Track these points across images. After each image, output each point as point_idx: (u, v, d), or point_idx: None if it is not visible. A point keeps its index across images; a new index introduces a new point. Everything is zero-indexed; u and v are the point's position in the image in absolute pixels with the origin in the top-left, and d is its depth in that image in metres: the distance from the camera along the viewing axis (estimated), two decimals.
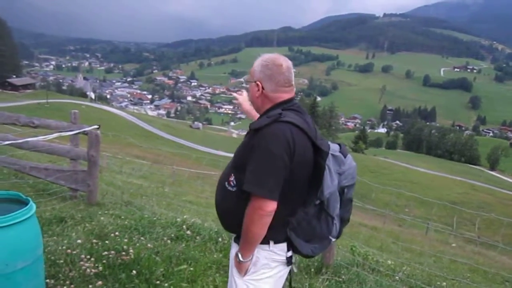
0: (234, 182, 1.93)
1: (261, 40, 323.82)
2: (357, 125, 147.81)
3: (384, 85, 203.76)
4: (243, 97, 2.62)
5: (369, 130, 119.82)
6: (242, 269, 1.96)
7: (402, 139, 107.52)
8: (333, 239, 2.08)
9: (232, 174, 1.95)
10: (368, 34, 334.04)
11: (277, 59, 2.00)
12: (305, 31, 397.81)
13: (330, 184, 1.92)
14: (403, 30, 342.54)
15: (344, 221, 2.10)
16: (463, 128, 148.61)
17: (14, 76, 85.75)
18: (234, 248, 2.04)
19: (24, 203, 2.52)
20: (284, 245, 1.96)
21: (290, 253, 1.99)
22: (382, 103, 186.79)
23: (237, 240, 2.02)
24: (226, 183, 1.97)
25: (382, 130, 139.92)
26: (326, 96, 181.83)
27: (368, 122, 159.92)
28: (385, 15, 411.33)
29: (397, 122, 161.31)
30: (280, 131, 1.80)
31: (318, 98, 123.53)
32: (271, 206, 1.80)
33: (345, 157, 2.01)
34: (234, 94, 2.68)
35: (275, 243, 1.94)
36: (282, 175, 1.80)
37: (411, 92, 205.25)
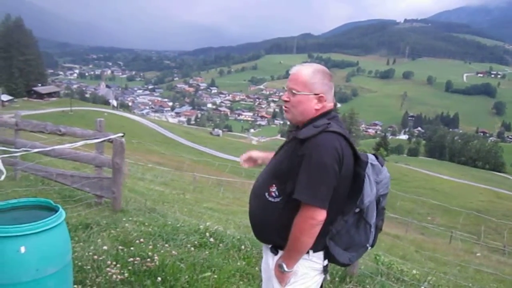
0: (277, 193, 1.94)
1: (281, 47, 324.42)
2: (378, 132, 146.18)
3: (405, 91, 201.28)
4: (251, 155, 2.46)
5: (390, 137, 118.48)
6: (285, 279, 1.97)
7: (424, 146, 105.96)
8: (370, 247, 2.11)
9: (274, 185, 1.96)
10: (388, 40, 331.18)
11: (326, 70, 2.06)
12: (325, 38, 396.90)
13: (370, 192, 1.96)
14: (424, 35, 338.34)
15: (378, 229, 2.13)
16: (487, 135, 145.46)
17: (40, 85, 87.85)
18: (272, 258, 2.03)
19: (54, 210, 2.58)
20: (321, 254, 2.00)
21: (326, 262, 2.03)
22: (403, 110, 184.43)
23: (274, 250, 2.03)
24: (266, 193, 1.97)
25: (404, 136, 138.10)
26: (346, 103, 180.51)
27: (389, 128, 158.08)
28: (406, 20, 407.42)
29: (419, 128, 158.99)
30: (330, 141, 1.84)
31: (338, 105, 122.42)
32: (322, 215, 1.84)
33: (382, 166, 2.05)
34: (241, 160, 2.48)
35: (314, 252, 1.97)
36: (332, 185, 1.85)
37: (433, 98, 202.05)
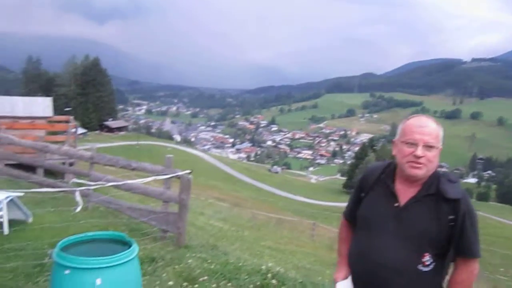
0: (431, 260, 1.88)
1: (342, 86, 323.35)
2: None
3: (473, 132, 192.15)
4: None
5: None
6: None
7: (495, 190, 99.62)
8: None
9: (426, 253, 1.88)
10: (455, 79, 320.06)
11: None
12: (387, 77, 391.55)
13: None
14: (494, 74, 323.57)
15: None
16: None
17: (111, 119, 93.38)
18: None
19: (127, 244, 2.70)
20: None
21: None
22: (471, 152, 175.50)
23: None
24: (420, 265, 1.88)
25: (472, 180, 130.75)
26: None
27: (455, 171, 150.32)
28: (473, 59, 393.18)
29: (489, 172, 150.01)
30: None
31: None
32: None
33: None
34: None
35: None
36: None
37: (504, 140, 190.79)
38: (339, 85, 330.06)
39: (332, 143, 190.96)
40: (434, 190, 1.91)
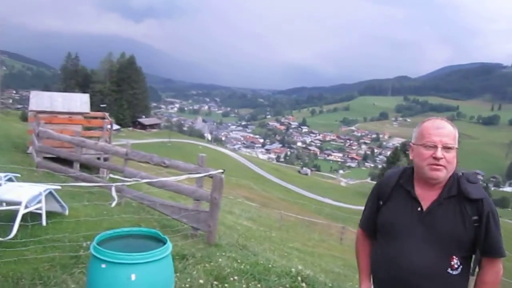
0: (458, 263, 1.89)
1: (375, 88, 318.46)
2: (480, 182, 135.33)
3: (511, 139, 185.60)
4: None
5: (492, 188, 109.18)
6: None
7: None
8: None
9: (454, 256, 1.89)
10: (493, 84, 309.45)
11: None
12: (422, 81, 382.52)
13: None
14: None
15: None
16: None
17: (144, 116, 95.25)
18: None
19: (162, 241, 2.73)
20: None
21: None
22: (508, 159, 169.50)
23: None
24: (449, 269, 1.88)
25: (509, 189, 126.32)
26: None
27: (492, 179, 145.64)
28: None
29: None
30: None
31: None
32: None
33: None
34: None
35: None
36: None
37: None
38: (372, 88, 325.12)
39: (363, 146, 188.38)
40: (455, 191, 1.92)
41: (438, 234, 1.88)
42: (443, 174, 1.91)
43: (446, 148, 1.90)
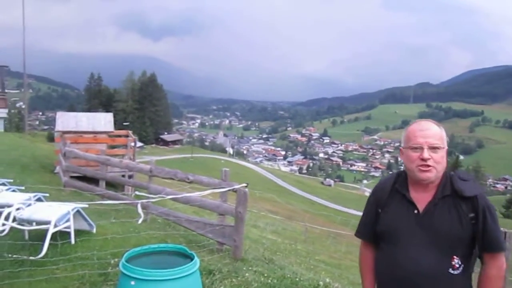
0: (460, 262, 1.90)
1: (396, 96, 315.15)
2: (508, 188, 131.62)
3: None
4: None
5: None
6: None
7: None
8: None
9: (455, 255, 1.90)
10: None
11: None
12: (445, 86, 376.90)
13: None
14: None
15: None
16: None
17: (166, 133, 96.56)
18: None
19: (189, 257, 2.74)
20: None
21: None
22: None
23: None
24: (450, 268, 1.89)
25: None
26: (471, 155, 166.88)
27: None
28: None
29: None
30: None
31: (461, 157, 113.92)
32: None
33: None
34: None
35: None
36: None
37: None
38: (394, 96, 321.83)
39: (386, 155, 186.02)
40: (449, 191, 1.94)
41: (436, 235, 1.90)
42: (432, 175, 1.93)
43: (433, 148, 1.93)
